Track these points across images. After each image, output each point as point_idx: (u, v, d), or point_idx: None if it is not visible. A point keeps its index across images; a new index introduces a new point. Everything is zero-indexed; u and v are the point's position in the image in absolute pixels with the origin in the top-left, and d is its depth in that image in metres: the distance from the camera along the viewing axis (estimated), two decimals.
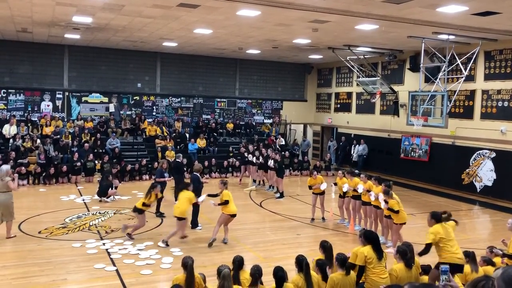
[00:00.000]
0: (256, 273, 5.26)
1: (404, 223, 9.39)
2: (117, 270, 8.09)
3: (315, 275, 5.81)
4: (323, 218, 12.00)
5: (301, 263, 5.63)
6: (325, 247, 6.33)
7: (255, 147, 17.60)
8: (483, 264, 6.53)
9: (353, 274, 5.91)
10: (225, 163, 19.06)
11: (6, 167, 10.05)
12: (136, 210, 10.01)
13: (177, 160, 14.15)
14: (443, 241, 6.19)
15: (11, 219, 9.79)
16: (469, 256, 6.32)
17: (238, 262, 5.64)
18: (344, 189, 11.03)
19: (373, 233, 6.56)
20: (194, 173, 11.16)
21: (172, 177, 13.32)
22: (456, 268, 5.87)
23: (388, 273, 5.94)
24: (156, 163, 16.50)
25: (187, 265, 5.58)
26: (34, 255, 8.80)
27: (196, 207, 10.97)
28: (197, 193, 10.94)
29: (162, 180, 12.19)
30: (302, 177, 19.72)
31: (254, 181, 16.66)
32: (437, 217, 6.47)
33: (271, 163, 15.40)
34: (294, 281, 5.56)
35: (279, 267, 5.41)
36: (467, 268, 6.18)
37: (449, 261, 5.84)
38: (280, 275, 5.30)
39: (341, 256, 5.89)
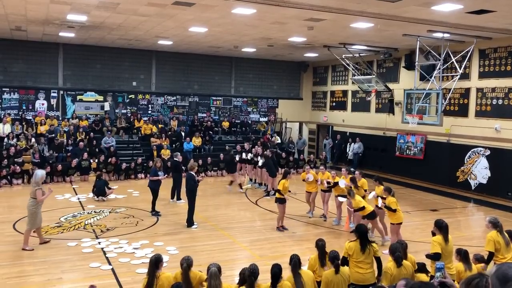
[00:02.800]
0: (252, 276, 5.24)
1: (401, 223, 9.38)
2: (112, 269, 8.08)
3: (309, 274, 5.83)
4: (324, 216, 12.09)
5: (290, 262, 5.67)
6: (317, 245, 6.36)
7: (251, 145, 17.62)
8: (475, 262, 6.56)
9: (346, 270, 5.92)
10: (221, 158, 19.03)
11: (41, 173, 9.47)
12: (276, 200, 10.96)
13: (175, 158, 14.16)
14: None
15: (29, 228, 9.12)
16: (462, 254, 6.34)
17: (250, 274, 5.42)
18: (341, 185, 11.03)
19: (362, 226, 6.63)
20: (189, 171, 11.12)
21: (166, 176, 13.28)
22: None
23: (382, 270, 5.98)
24: (151, 162, 16.45)
25: (182, 266, 5.59)
26: (29, 254, 8.77)
27: (191, 206, 10.96)
28: (192, 192, 10.93)
29: (156, 179, 12.17)
30: (298, 175, 19.72)
31: (251, 179, 16.66)
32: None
33: (259, 160, 15.43)
34: (288, 279, 5.59)
35: (276, 264, 5.42)
36: (460, 266, 6.21)
37: None
38: (274, 271, 5.31)
39: (332, 253, 5.92)
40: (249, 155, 16.36)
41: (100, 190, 13.67)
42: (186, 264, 5.56)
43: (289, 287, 5.40)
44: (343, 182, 11.04)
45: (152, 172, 12.28)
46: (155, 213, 11.97)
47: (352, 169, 13.49)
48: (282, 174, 11.28)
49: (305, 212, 12.49)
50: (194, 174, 11.10)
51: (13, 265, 8.16)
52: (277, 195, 10.88)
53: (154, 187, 12.10)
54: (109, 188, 14.01)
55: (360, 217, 9.76)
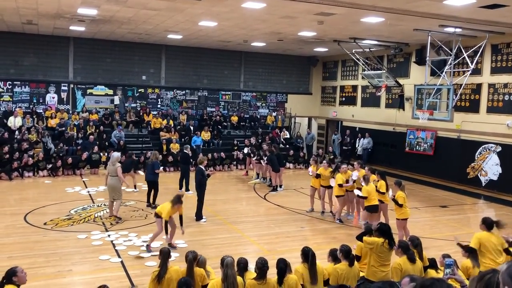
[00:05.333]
0: (265, 266, 5.26)
1: (406, 219, 9.30)
2: (122, 262, 8.14)
3: (320, 267, 5.82)
4: (322, 212, 12.00)
5: (307, 254, 5.67)
6: (333, 255, 6.20)
7: (260, 140, 17.64)
8: None
9: (357, 265, 5.93)
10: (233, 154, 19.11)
11: (117, 154, 11.44)
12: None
13: (184, 151, 14.33)
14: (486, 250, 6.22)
15: (120, 200, 11.00)
16: (471, 251, 6.30)
17: (243, 265, 5.61)
18: (354, 177, 10.97)
19: (386, 225, 6.59)
20: (199, 165, 11.17)
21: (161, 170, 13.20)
22: None
23: (392, 267, 5.96)
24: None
25: (187, 258, 5.65)
26: (40, 246, 8.87)
27: (200, 199, 10.98)
28: (200, 186, 10.95)
29: (158, 172, 12.19)
30: (307, 170, 19.69)
31: (258, 174, 16.64)
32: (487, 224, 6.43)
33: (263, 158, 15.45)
34: (297, 270, 5.58)
35: (281, 259, 5.43)
36: (468, 263, 6.18)
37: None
38: (280, 266, 5.32)
39: (345, 247, 5.91)
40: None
41: (125, 168, 13.27)
42: (192, 256, 5.64)
43: (295, 281, 5.41)
44: (355, 174, 10.97)
45: (156, 165, 12.24)
46: (154, 206, 11.97)
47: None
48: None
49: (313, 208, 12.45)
50: (203, 168, 11.13)
51: (24, 257, 8.24)
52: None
53: (155, 180, 12.10)
54: (136, 170, 14.28)
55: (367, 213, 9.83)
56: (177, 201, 8.70)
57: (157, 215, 8.73)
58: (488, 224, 6.42)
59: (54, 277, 7.46)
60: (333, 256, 6.18)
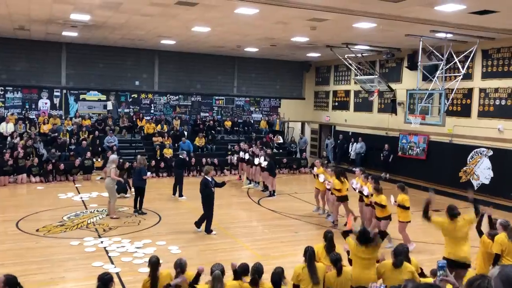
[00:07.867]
0: (256, 274, 5.24)
1: (409, 221, 9.43)
2: (115, 268, 8.10)
3: (320, 266, 5.80)
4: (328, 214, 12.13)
5: (304, 254, 5.70)
6: (326, 237, 6.39)
7: (253, 145, 17.65)
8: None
9: (347, 272, 5.88)
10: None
11: (114, 157, 12.14)
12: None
13: (180, 156, 14.41)
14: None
15: (112, 200, 11.46)
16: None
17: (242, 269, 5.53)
18: (354, 185, 11.00)
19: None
20: (205, 176, 10.48)
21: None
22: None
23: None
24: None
25: (150, 262, 5.68)
26: (32, 253, 8.81)
27: (205, 213, 10.65)
28: (205, 198, 10.43)
29: (147, 177, 12.13)
30: (300, 174, 19.75)
31: (248, 179, 16.55)
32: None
33: (259, 160, 15.41)
34: (297, 269, 5.62)
35: (278, 271, 5.40)
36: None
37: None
38: (274, 279, 5.29)
39: (333, 256, 5.85)
40: (246, 155, 16.38)
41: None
42: (155, 259, 5.66)
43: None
44: (354, 182, 10.99)
45: (143, 171, 12.15)
46: (140, 212, 11.94)
47: (354, 168, 13.49)
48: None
49: (312, 210, 12.49)
50: (209, 178, 10.36)
51: (16, 264, 8.17)
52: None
53: (143, 186, 12.00)
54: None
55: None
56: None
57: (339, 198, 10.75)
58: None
59: (47, 284, 7.41)
60: (325, 237, 6.45)
